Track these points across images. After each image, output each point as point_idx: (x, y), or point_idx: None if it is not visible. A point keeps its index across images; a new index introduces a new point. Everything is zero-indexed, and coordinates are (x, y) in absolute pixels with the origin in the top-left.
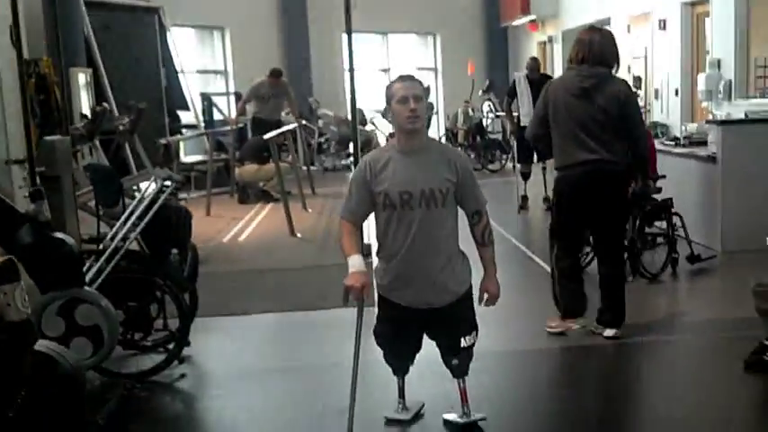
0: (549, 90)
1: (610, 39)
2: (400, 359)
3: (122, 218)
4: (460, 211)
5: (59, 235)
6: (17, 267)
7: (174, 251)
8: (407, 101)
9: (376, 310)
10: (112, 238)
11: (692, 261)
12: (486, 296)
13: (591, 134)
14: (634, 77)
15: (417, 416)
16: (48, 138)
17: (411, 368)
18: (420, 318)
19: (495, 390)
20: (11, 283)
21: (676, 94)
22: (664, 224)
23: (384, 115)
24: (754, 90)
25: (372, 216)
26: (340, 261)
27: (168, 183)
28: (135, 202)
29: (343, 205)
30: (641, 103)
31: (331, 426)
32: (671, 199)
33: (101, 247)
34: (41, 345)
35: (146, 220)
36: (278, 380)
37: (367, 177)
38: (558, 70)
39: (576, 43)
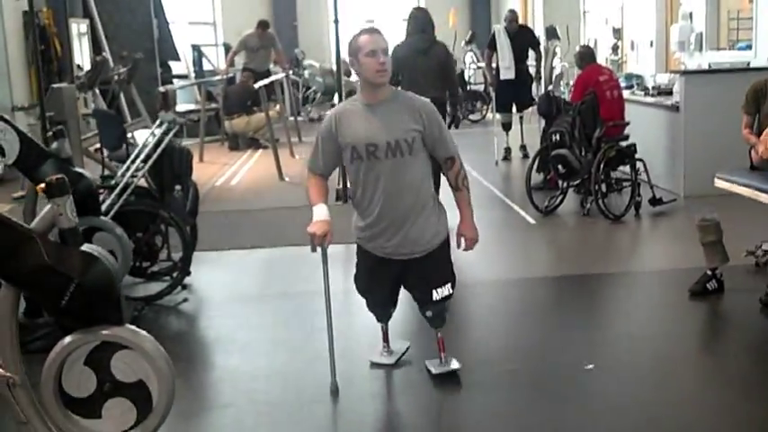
0: (399, 53)
1: (427, 14)
2: (380, 307)
3: (132, 156)
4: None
5: (78, 169)
6: (67, 183)
7: (178, 187)
8: (376, 54)
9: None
10: (123, 175)
11: (653, 204)
12: (462, 240)
13: (427, 79)
14: (613, 29)
15: (401, 360)
16: (55, 85)
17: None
18: (395, 268)
19: (470, 315)
20: (62, 196)
21: (651, 45)
22: (628, 169)
23: (351, 65)
24: (727, 42)
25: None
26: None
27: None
28: (143, 143)
29: (310, 158)
30: (618, 54)
31: (318, 342)
32: (634, 145)
33: (113, 182)
34: (87, 246)
35: (153, 158)
36: (269, 304)
37: (332, 131)
38: (539, 22)
39: (410, 18)
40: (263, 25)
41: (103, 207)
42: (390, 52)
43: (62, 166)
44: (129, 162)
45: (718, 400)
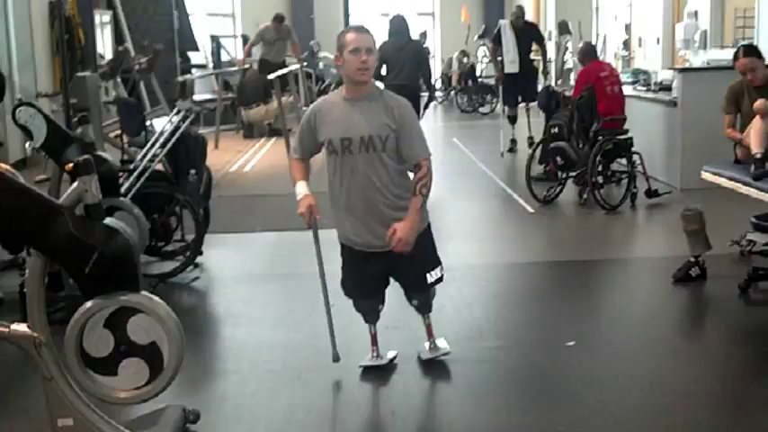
0: (384, 49)
1: (403, 20)
2: (368, 304)
3: (150, 141)
4: None
5: (100, 153)
6: (92, 163)
7: (192, 172)
8: (359, 52)
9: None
10: (142, 159)
11: (649, 195)
12: (393, 235)
13: (405, 69)
14: (625, 25)
15: (392, 362)
16: (79, 74)
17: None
18: (382, 261)
19: (464, 296)
20: (89, 175)
21: (657, 42)
22: (625, 161)
23: (336, 60)
24: (733, 40)
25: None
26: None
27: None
28: (161, 129)
29: (293, 147)
30: (627, 50)
31: (319, 318)
32: (631, 138)
33: (132, 166)
34: (109, 220)
35: (170, 143)
36: (276, 283)
37: (312, 124)
38: (551, 17)
39: (389, 23)
40: (278, 18)
41: (123, 189)
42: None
43: (86, 150)
44: (147, 147)
45: (690, 375)
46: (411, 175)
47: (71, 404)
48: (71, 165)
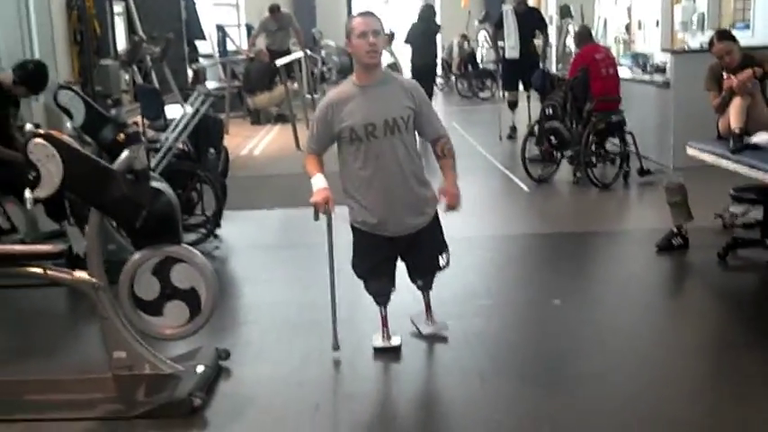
0: (410, 32)
1: (430, 7)
2: (380, 286)
3: (174, 123)
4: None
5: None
6: (141, 135)
7: (212, 151)
8: (366, 35)
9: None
10: (167, 139)
11: (642, 174)
12: (444, 198)
13: (426, 48)
14: (627, 8)
15: (401, 344)
16: (102, 62)
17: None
18: (394, 243)
19: (461, 263)
20: (137, 144)
21: (657, 25)
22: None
23: (346, 47)
24: (732, 21)
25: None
26: (335, 169)
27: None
28: (183, 111)
29: (307, 141)
30: (627, 34)
31: (326, 278)
32: (623, 118)
33: (158, 145)
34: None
35: (191, 125)
36: (287, 251)
37: (328, 117)
38: (552, 1)
39: (420, 9)
40: (273, 9)
41: (151, 166)
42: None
43: (120, 129)
44: (171, 127)
45: (668, 327)
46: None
47: (124, 339)
48: (123, 136)
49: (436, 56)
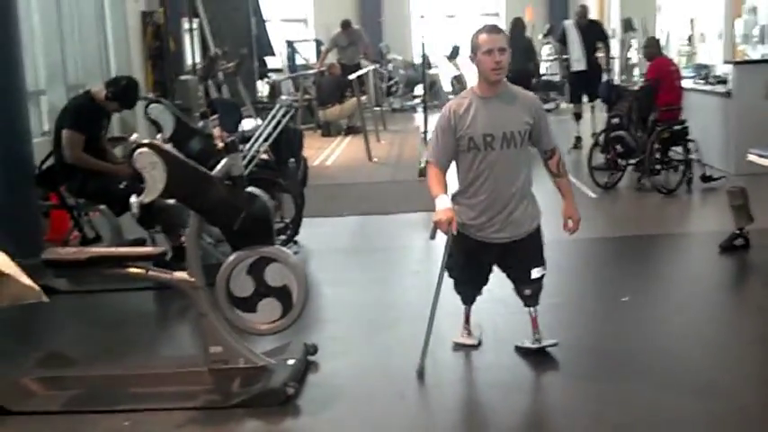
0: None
1: (519, 19)
2: (471, 288)
3: (257, 133)
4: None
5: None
6: (238, 144)
7: (292, 160)
8: (492, 53)
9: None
10: (250, 149)
11: (704, 180)
12: (570, 222)
13: (521, 57)
14: (690, 20)
15: (481, 342)
16: (182, 77)
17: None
18: (494, 252)
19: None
20: (235, 152)
21: (719, 37)
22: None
23: (471, 60)
24: None
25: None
26: (408, 178)
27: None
28: (265, 123)
29: (430, 151)
30: (690, 46)
31: (405, 279)
32: (687, 127)
33: (242, 155)
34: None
35: (273, 135)
36: (364, 256)
37: (451, 123)
38: (614, 16)
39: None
40: (344, 25)
41: None
42: None
43: (206, 141)
44: (254, 137)
45: (729, 320)
46: None
47: (220, 335)
48: (223, 145)
49: (529, 62)
